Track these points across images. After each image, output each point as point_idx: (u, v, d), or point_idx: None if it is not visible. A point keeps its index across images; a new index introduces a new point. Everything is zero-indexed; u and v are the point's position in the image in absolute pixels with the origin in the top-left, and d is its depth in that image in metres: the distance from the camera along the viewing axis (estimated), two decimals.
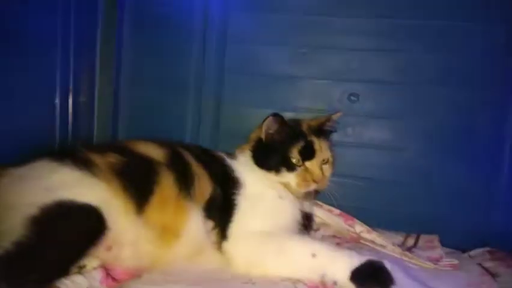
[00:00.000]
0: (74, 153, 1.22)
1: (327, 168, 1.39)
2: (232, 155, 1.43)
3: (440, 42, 1.72)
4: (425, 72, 1.74)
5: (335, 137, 1.55)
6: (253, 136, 1.44)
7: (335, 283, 1.12)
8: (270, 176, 1.35)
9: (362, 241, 1.51)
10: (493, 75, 1.69)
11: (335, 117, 1.45)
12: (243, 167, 1.38)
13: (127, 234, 1.14)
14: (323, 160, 1.37)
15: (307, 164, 1.34)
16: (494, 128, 1.69)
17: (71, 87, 1.72)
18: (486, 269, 1.37)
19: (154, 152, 1.29)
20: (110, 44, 1.84)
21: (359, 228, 1.55)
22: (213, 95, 1.86)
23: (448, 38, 1.71)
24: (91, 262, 1.12)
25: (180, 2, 1.85)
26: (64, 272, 1.03)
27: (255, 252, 1.21)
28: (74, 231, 1.05)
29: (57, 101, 1.67)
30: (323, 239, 1.51)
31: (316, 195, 1.45)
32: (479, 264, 1.41)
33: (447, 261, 1.40)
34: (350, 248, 1.33)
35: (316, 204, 1.58)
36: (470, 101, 1.71)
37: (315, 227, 1.53)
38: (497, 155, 1.68)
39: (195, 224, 1.24)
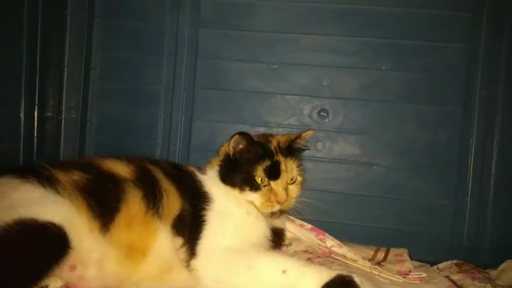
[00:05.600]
0: (37, 170, 1.17)
1: (293, 189, 1.34)
2: (202, 170, 1.40)
3: (407, 60, 1.78)
4: (393, 89, 1.79)
5: (305, 151, 1.55)
6: (223, 150, 1.39)
7: None
8: (234, 193, 1.31)
9: (333, 256, 1.51)
10: (456, 92, 1.75)
11: (305, 135, 1.40)
12: (212, 181, 1.34)
13: (92, 253, 1.11)
14: (290, 180, 1.33)
15: (272, 184, 1.29)
16: (459, 143, 1.74)
17: (36, 101, 1.68)
18: (453, 282, 1.39)
19: (121, 168, 1.26)
20: (78, 57, 1.82)
21: (330, 242, 1.55)
22: (183, 110, 1.85)
23: (414, 57, 1.78)
24: (53, 282, 1.08)
25: (151, 17, 1.85)
26: None
27: (224, 270, 1.18)
28: (35, 250, 1.01)
29: (22, 115, 1.63)
30: (295, 254, 1.50)
31: (283, 213, 1.41)
32: (447, 277, 1.43)
33: (416, 274, 1.42)
34: (321, 263, 1.33)
35: (288, 219, 1.58)
36: (436, 117, 1.77)
37: (287, 242, 1.52)
38: (462, 169, 1.73)
39: (163, 242, 1.21)
